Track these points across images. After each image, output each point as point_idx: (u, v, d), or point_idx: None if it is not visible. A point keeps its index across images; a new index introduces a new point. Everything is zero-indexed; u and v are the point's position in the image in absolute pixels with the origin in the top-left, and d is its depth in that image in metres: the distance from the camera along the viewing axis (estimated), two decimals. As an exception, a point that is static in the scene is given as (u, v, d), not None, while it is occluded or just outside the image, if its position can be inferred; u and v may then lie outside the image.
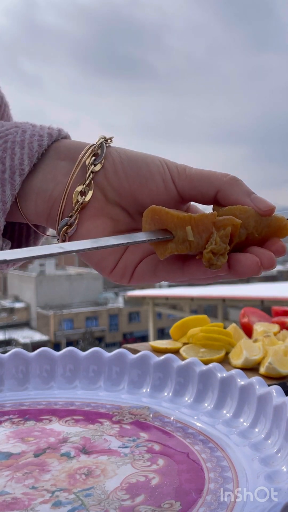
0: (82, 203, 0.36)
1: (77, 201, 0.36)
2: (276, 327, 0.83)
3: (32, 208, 0.38)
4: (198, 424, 0.47)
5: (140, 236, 0.33)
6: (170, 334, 0.86)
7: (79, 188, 0.37)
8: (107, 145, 0.38)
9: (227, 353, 0.75)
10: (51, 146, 0.39)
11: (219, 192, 0.35)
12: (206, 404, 0.50)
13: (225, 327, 0.82)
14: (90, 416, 0.49)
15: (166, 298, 8.07)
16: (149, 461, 0.40)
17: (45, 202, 0.38)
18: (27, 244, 0.44)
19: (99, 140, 0.38)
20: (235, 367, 0.68)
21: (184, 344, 0.80)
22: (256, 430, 0.44)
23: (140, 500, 0.34)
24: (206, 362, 0.54)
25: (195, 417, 0.48)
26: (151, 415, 0.49)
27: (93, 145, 0.38)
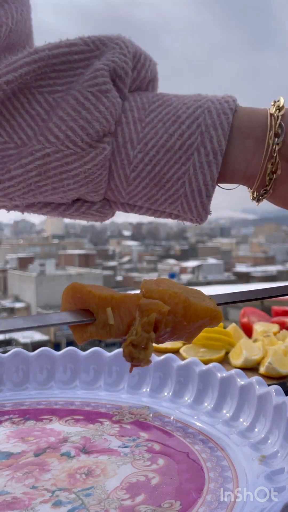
0: (274, 178, 0.43)
1: (270, 179, 0.43)
2: (275, 327, 0.83)
3: (229, 182, 0.45)
4: (198, 424, 0.47)
5: (55, 318, 0.30)
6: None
7: (270, 168, 0.42)
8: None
9: (227, 353, 0.75)
10: (233, 124, 0.43)
11: None
12: (206, 404, 0.50)
13: (225, 327, 0.82)
14: (90, 416, 0.50)
15: (166, 298, 8.05)
16: (149, 460, 0.40)
17: (241, 178, 0.44)
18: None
19: (276, 115, 0.42)
20: (235, 367, 0.68)
21: (184, 344, 0.80)
22: (256, 430, 0.44)
23: (140, 500, 0.34)
24: (206, 362, 0.54)
25: (195, 417, 0.48)
26: (151, 415, 0.49)
27: (271, 125, 0.42)
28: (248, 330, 0.87)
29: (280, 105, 0.43)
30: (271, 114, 0.42)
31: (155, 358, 0.56)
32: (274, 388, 0.44)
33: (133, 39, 0.46)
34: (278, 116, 0.42)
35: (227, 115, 0.42)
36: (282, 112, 0.42)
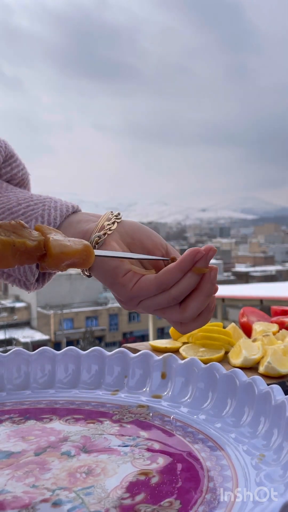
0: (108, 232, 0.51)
1: (105, 233, 0.51)
2: (275, 327, 0.83)
3: None
4: (197, 423, 0.47)
5: None
6: (170, 334, 0.86)
7: (107, 223, 0.52)
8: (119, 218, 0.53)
9: (226, 353, 0.75)
10: (76, 212, 0.56)
11: None
12: (205, 403, 0.50)
13: (224, 327, 0.82)
14: (90, 415, 0.50)
15: (166, 297, 8.02)
16: (149, 459, 0.40)
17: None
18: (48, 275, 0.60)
19: (112, 213, 0.54)
20: (235, 367, 0.69)
21: (184, 343, 0.80)
22: (256, 429, 0.44)
23: (140, 499, 0.35)
24: (205, 362, 0.54)
25: (195, 416, 0.48)
26: (151, 414, 0.49)
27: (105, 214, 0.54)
28: (247, 330, 0.88)
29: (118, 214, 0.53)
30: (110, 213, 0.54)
31: (155, 357, 0.56)
32: (274, 388, 0.45)
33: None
34: (114, 213, 0.54)
35: (68, 207, 0.55)
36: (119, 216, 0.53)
